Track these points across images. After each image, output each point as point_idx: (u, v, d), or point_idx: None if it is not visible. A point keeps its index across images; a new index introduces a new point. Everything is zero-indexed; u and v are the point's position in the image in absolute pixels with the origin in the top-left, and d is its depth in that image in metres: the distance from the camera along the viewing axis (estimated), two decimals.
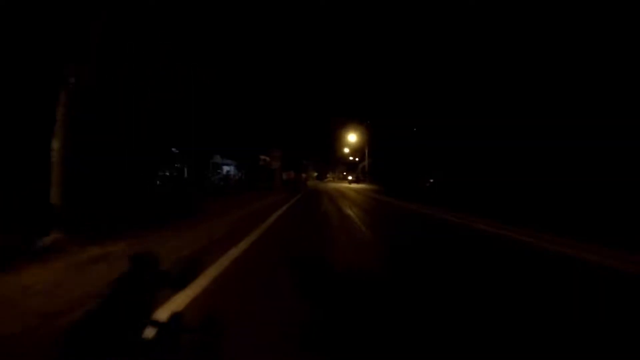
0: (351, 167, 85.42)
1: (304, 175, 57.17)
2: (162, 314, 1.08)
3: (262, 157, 26.47)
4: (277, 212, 8.74)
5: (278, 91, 31.74)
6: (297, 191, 18.52)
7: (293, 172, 28.98)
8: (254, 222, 6.57)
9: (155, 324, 1.00)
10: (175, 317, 1.09)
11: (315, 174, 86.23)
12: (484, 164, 23.64)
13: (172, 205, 8.79)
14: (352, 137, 51.80)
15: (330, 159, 79.98)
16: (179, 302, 2.44)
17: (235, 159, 27.21)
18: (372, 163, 47.47)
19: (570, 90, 13.35)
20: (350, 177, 36.50)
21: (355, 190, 24.04)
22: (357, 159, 70.42)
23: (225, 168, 27.68)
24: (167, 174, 18.57)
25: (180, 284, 1.12)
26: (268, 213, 8.30)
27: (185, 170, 18.51)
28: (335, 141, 60.87)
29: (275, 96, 30.65)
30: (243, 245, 4.70)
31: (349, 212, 8.81)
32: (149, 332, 0.96)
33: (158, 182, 18.51)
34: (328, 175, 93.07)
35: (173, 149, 17.10)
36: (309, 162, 57.25)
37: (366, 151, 48.79)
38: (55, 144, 4.44)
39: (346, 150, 66.20)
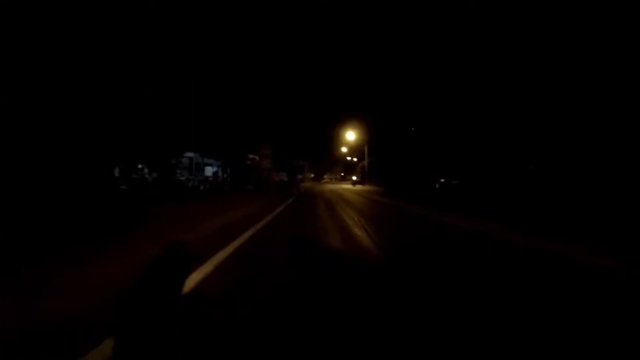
0: (349, 168, 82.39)
1: (299, 176, 53.85)
2: None
3: (251, 156, 23.26)
4: (248, 231, 5.53)
5: (272, 87, 28.60)
6: (289, 195, 15.27)
7: (286, 174, 25.71)
8: (207, 249, 3.44)
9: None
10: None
11: (312, 175, 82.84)
12: (497, 166, 21.57)
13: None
14: (350, 136, 48.54)
15: (327, 159, 76.61)
16: None
17: (220, 158, 24.01)
18: (373, 163, 44.28)
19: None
20: (354, 178, 33.41)
21: (357, 193, 20.87)
22: (355, 159, 67.30)
23: (210, 169, 24.45)
24: (145, 175, 15.51)
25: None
26: (233, 234, 5.12)
27: (146, 170, 15.21)
28: (333, 140, 57.54)
29: (269, 92, 27.49)
30: None
31: (358, 232, 5.62)
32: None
33: (123, 185, 15.27)
34: (325, 176, 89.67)
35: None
36: (305, 163, 53.88)
37: (366, 150, 45.60)
38: None
39: (344, 149, 62.91)
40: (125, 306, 1.86)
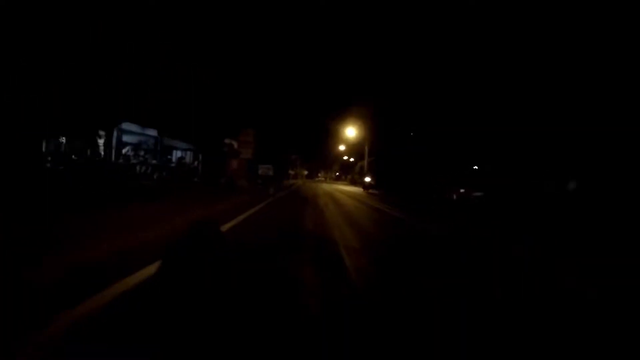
0: (345, 168, 78.04)
1: (291, 172, 49.25)
2: None
3: (228, 141, 18.68)
4: None
5: (267, 70, 24.12)
6: (259, 198, 10.81)
7: (271, 167, 21.30)
8: None
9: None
10: None
11: (305, 172, 78.20)
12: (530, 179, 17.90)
13: None
14: (350, 132, 44.06)
15: (323, 157, 72.02)
16: None
17: (193, 142, 19.41)
18: (375, 163, 39.91)
19: None
20: (367, 179, 28.58)
21: (352, 197, 16.48)
22: (352, 159, 62.94)
23: (178, 153, 19.82)
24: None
25: None
26: None
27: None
28: (330, 136, 52.92)
29: (262, 74, 22.94)
30: None
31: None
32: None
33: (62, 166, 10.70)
34: (319, 175, 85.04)
35: None
36: (297, 158, 49.06)
37: (366, 149, 41.25)
38: None
39: (342, 147, 58.42)
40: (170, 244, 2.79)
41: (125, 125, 18.43)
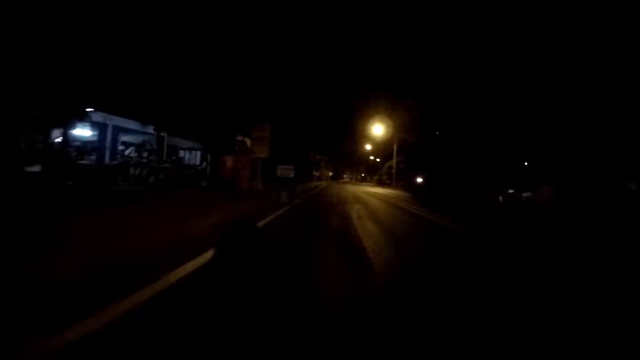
0: (370, 168, 74.65)
1: (316, 173, 46.81)
2: None
3: (240, 137, 16.45)
4: None
5: (284, 63, 21.83)
6: (267, 208, 8.35)
7: (292, 167, 18.89)
8: None
9: None
10: None
11: (330, 173, 75.53)
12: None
13: None
14: (377, 129, 41.02)
15: (348, 157, 69.04)
16: None
17: (198, 139, 17.33)
18: (407, 162, 36.73)
19: None
20: (419, 179, 26.12)
21: (388, 202, 13.69)
22: (377, 159, 59.56)
23: (183, 154, 17.86)
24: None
25: None
26: None
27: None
28: (356, 135, 49.89)
29: (278, 67, 20.65)
30: None
31: None
32: None
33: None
34: (345, 176, 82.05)
35: None
36: (322, 158, 46.33)
37: (395, 147, 38.05)
38: None
39: (368, 147, 55.35)
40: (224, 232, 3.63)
41: (123, 123, 16.55)
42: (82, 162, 14.18)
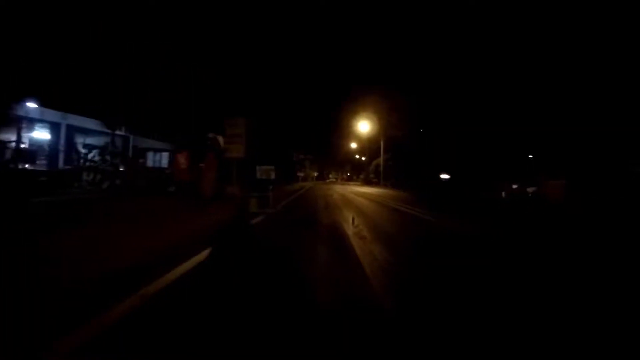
0: (355, 167, 73.10)
1: (300, 174, 44.94)
2: None
3: (212, 135, 14.45)
4: None
5: (264, 57, 19.95)
6: (256, 211, 6.64)
7: (273, 168, 17.06)
8: None
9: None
10: None
11: (315, 173, 73.67)
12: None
13: None
14: (364, 126, 39.52)
15: (333, 157, 67.43)
16: None
17: (169, 139, 15.37)
18: (392, 160, 35.32)
19: None
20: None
21: (377, 201, 12.06)
22: (363, 158, 57.97)
23: (153, 156, 15.76)
24: None
25: None
26: None
27: None
28: (341, 133, 48.16)
29: (258, 61, 18.77)
30: None
31: None
32: None
33: None
34: (330, 176, 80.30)
35: None
36: (307, 157, 44.31)
37: (382, 144, 36.58)
38: None
39: (353, 145, 53.79)
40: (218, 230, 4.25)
41: (82, 122, 14.44)
42: (27, 166, 12.23)
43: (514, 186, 17.34)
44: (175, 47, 13.24)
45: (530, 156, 19.52)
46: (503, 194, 17.46)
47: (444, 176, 23.78)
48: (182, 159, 9.23)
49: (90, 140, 15.47)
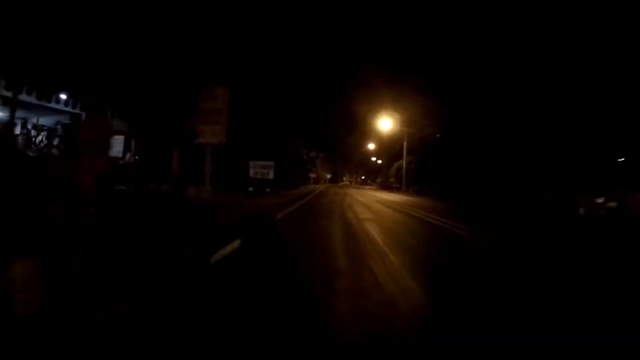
0: (370, 171, 68.22)
1: (312, 175, 40.62)
2: None
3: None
4: None
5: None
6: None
7: (272, 164, 13.00)
8: None
9: None
10: None
11: (329, 175, 69.17)
12: None
13: None
14: (385, 124, 34.92)
15: (347, 158, 62.79)
16: None
17: (126, 118, 11.28)
18: (420, 161, 30.67)
19: None
20: None
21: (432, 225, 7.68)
22: (379, 161, 53.18)
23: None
24: None
25: None
26: None
27: None
28: (356, 131, 43.40)
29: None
30: None
31: None
32: None
33: None
34: (344, 178, 75.43)
35: None
36: (318, 156, 39.59)
37: (404, 145, 31.90)
38: None
39: (371, 146, 49.01)
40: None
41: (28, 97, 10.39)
42: None
43: (598, 200, 12.66)
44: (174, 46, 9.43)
45: (622, 159, 14.65)
46: (581, 210, 12.80)
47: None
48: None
49: (44, 121, 12.01)
